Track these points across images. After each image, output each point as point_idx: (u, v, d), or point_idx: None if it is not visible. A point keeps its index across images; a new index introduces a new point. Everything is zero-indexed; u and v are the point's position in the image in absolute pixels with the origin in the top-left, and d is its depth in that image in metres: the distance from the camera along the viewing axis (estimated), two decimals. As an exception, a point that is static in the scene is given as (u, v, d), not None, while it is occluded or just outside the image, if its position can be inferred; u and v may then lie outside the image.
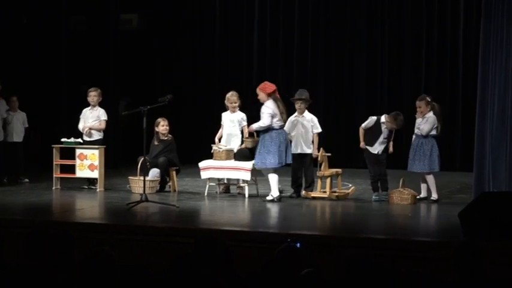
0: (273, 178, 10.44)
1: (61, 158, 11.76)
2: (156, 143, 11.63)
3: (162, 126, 11.61)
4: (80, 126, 11.90)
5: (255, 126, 10.61)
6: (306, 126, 10.93)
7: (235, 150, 11.02)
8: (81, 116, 11.96)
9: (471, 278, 4.90)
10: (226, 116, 11.37)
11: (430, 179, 10.46)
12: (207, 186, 11.04)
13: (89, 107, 11.92)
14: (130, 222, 8.84)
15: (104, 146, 11.69)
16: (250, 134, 10.92)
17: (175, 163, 11.60)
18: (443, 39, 15.03)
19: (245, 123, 11.31)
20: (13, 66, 14.19)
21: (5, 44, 14.27)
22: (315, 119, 11.00)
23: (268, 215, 9.79)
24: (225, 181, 11.39)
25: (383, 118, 10.61)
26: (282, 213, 9.78)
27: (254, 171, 10.82)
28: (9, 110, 12.41)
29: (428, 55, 15.14)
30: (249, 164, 10.74)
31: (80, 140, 11.73)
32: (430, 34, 15.08)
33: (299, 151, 10.91)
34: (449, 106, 14.48)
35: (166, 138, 11.68)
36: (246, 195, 10.77)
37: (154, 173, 11.38)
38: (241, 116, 11.30)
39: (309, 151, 10.89)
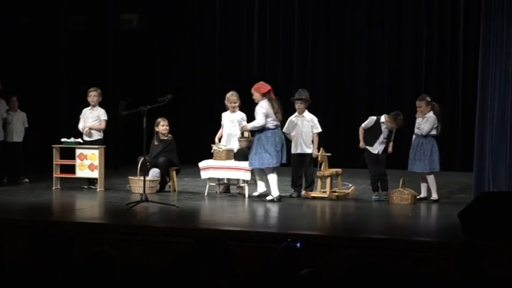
0: (273, 178, 10.45)
1: (61, 158, 11.77)
2: (156, 143, 11.63)
3: (162, 126, 11.61)
4: (80, 126, 11.90)
5: (249, 125, 10.63)
6: (306, 126, 10.93)
7: (235, 150, 11.02)
8: (81, 116, 11.96)
9: (471, 278, 4.90)
10: (226, 116, 11.37)
11: (431, 179, 10.46)
12: (207, 186, 11.04)
13: (89, 107, 11.92)
14: (130, 222, 8.84)
15: (104, 146, 11.69)
16: (245, 134, 10.95)
17: (175, 163, 11.60)
18: (443, 39, 15.04)
19: (245, 123, 11.30)
20: (13, 66, 14.20)
21: (5, 44, 14.27)
22: (315, 119, 11.00)
23: (268, 215, 9.79)
24: (225, 181, 11.39)
25: (383, 118, 10.62)
26: (282, 213, 9.78)
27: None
28: (9, 110, 12.41)
29: (428, 55, 15.14)
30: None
31: (80, 140, 11.73)
32: (430, 34, 15.09)
33: (299, 151, 10.91)
34: (449, 106, 14.48)
35: (166, 138, 11.69)
36: (246, 195, 10.77)
37: (154, 173, 11.38)
38: (241, 116, 11.30)
39: (309, 151, 10.89)
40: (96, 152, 11.51)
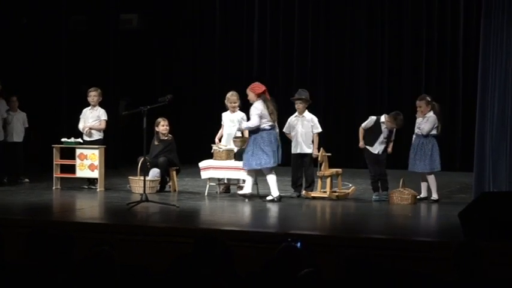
0: (272, 178, 10.45)
1: (61, 158, 11.76)
2: (156, 143, 11.63)
3: (163, 126, 11.62)
4: (80, 126, 11.90)
5: (243, 125, 10.64)
6: (306, 126, 10.93)
7: (235, 150, 11.02)
8: (81, 116, 11.96)
9: (471, 278, 4.90)
10: (226, 116, 11.37)
11: (431, 178, 10.46)
12: (207, 186, 11.04)
13: (89, 107, 11.92)
14: (131, 222, 8.83)
15: (104, 146, 11.69)
16: (238, 133, 10.96)
17: (175, 163, 11.60)
18: (443, 39, 15.03)
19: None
20: (13, 66, 14.20)
21: (5, 44, 14.27)
22: (315, 119, 11.00)
23: (268, 215, 9.78)
24: (225, 181, 11.39)
25: (383, 118, 10.62)
26: (282, 213, 9.78)
27: (254, 172, 10.81)
28: (9, 110, 12.41)
29: (428, 55, 15.14)
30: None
31: (80, 140, 11.73)
32: (430, 34, 15.08)
33: (299, 151, 10.91)
34: (449, 106, 14.48)
35: (166, 138, 11.69)
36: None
37: (154, 173, 11.38)
38: (241, 115, 11.29)
39: (309, 151, 10.89)
40: (96, 152, 11.51)
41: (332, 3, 15.69)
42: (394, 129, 10.69)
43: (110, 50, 15.16)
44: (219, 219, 9.42)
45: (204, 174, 11.03)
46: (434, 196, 10.43)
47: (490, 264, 5.17)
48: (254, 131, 10.38)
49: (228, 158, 10.90)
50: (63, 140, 11.75)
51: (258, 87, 10.48)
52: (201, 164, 11.07)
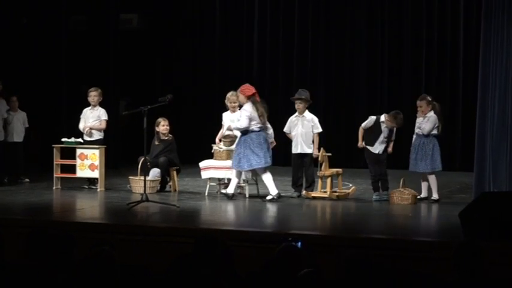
0: (267, 177, 10.46)
1: (61, 158, 11.77)
2: (156, 142, 11.63)
3: (163, 126, 11.62)
4: (81, 126, 11.91)
5: (233, 126, 10.65)
6: (306, 126, 10.93)
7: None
8: (81, 116, 11.96)
9: (471, 278, 4.89)
10: (226, 116, 11.36)
11: (432, 178, 10.46)
12: (208, 186, 11.04)
13: (90, 107, 11.92)
14: (131, 222, 8.84)
15: (105, 146, 11.69)
16: (228, 134, 10.96)
17: (175, 163, 11.61)
18: (443, 39, 15.03)
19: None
20: (13, 66, 14.20)
21: (5, 44, 14.27)
22: (316, 119, 11.00)
23: (268, 215, 9.78)
24: (226, 181, 11.38)
25: (383, 117, 10.62)
26: (282, 213, 9.78)
27: (255, 172, 10.83)
28: (9, 110, 12.41)
29: (428, 55, 15.14)
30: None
31: (80, 139, 11.73)
32: (430, 34, 15.08)
33: (299, 151, 10.91)
34: (450, 106, 14.48)
35: (166, 138, 11.69)
36: (246, 195, 10.77)
37: (154, 172, 11.39)
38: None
39: (309, 151, 10.89)
40: (97, 151, 11.51)
41: (332, 3, 15.69)
42: (395, 129, 10.69)
43: (110, 50, 15.16)
44: (219, 219, 9.43)
45: (205, 174, 11.03)
46: (435, 196, 10.43)
47: (490, 264, 5.17)
48: (243, 132, 10.42)
49: (228, 158, 10.89)
50: (63, 140, 11.75)
51: (247, 89, 10.52)
52: (202, 164, 11.07)
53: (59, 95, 14.78)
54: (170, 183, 11.52)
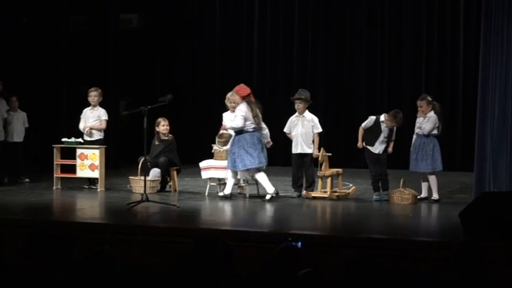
0: (262, 176, 10.46)
1: (62, 158, 11.77)
2: (156, 142, 11.64)
3: (163, 126, 11.62)
4: (81, 126, 11.91)
5: (228, 125, 10.65)
6: (306, 126, 10.93)
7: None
8: (81, 116, 11.96)
9: (471, 278, 4.89)
10: (226, 116, 11.35)
11: (432, 178, 10.46)
12: (208, 186, 11.04)
13: (90, 107, 11.92)
14: (131, 222, 8.84)
15: (105, 146, 11.69)
16: (222, 134, 10.96)
17: (175, 163, 11.61)
18: (443, 39, 15.03)
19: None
20: (13, 66, 14.19)
21: (5, 44, 14.27)
22: (316, 119, 11.00)
23: (268, 215, 9.78)
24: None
25: (382, 117, 10.62)
26: (282, 213, 9.78)
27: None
28: (9, 110, 12.41)
29: (428, 55, 15.13)
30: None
31: (80, 139, 11.73)
32: (430, 34, 15.08)
33: (299, 151, 10.91)
34: (450, 106, 14.48)
35: (167, 138, 11.69)
36: (247, 195, 10.78)
37: (155, 172, 11.39)
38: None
39: (309, 151, 10.89)
40: (97, 151, 11.51)
41: (332, 3, 15.69)
42: (395, 128, 10.69)
43: (110, 50, 15.16)
44: (219, 219, 9.43)
45: (205, 174, 11.04)
46: (435, 196, 10.43)
47: (490, 264, 5.17)
48: (238, 132, 10.43)
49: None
50: (63, 140, 11.75)
51: (242, 89, 10.55)
52: (202, 164, 11.07)
53: (59, 95, 14.78)
54: (170, 183, 11.52)
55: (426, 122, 10.43)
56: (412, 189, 10.41)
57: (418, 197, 10.43)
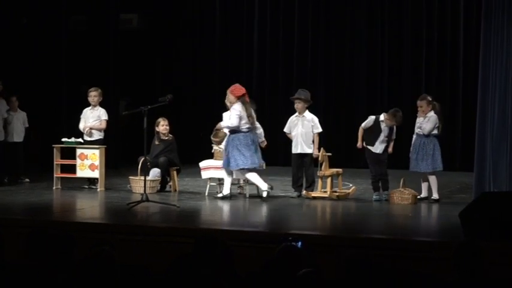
0: (253, 175, 10.47)
1: (62, 158, 11.76)
2: (156, 142, 11.64)
3: (162, 126, 11.62)
4: (81, 126, 11.91)
5: (222, 124, 10.67)
6: (306, 126, 10.93)
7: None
8: (81, 116, 11.96)
9: (471, 278, 4.89)
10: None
11: (433, 178, 10.46)
12: (208, 186, 11.04)
13: (90, 107, 11.92)
14: (131, 222, 8.83)
15: (105, 146, 11.69)
16: (217, 132, 10.97)
17: (175, 163, 11.61)
18: (443, 39, 15.04)
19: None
20: (13, 66, 14.19)
21: (5, 44, 14.27)
22: (316, 119, 11.00)
23: (268, 215, 9.77)
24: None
25: (382, 117, 10.63)
26: (282, 213, 9.78)
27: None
28: (9, 110, 12.41)
29: (428, 55, 15.14)
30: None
31: (80, 139, 11.73)
32: (430, 34, 15.09)
33: (299, 151, 10.91)
34: (450, 106, 14.48)
35: (167, 138, 11.69)
36: (247, 195, 10.78)
37: (154, 172, 11.39)
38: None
39: (309, 151, 10.89)
40: (97, 151, 11.51)
41: (332, 3, 15.70)
42: (395, 127, 10.70)
43: (110, 50, 15.16)
44: (219, 219, 9.44)
45: (205, 174, 11.04)
46: (435, 196, 10.43)
47: (490, 264, 5.17)
48: (232, 132, 10.44)
49: (228, 158, 10.88)
50: (63, 139, 11.75)
51: (237, 89, 10.57)
52: (202, 164, 11.07)
53: (59, 95, 14.78)
54: (170, 183, 11.52)
55: (426, 122, 10.43)
56: (412, 189, 10.41)
57: (418, 197, 10.43)
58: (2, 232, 5.66)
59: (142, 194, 9.87)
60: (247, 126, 10.46)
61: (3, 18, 14.34)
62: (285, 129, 11.11)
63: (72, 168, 11.65)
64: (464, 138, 14.56)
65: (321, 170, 10.64)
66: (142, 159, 10.69)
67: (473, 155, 10.56)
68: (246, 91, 10.71)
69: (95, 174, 11.52)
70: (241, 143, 10.39)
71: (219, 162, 10.89)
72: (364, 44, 15.50)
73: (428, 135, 10.43)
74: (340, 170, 11.00)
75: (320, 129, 10.99)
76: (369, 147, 10.64)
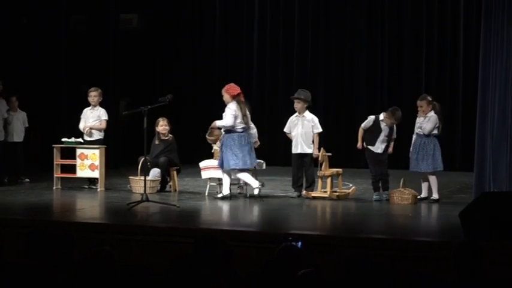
0: (244, 175, 10.48)
1: (62, 158, 11.77)
2: (157, 142, 11.65)
3: (161, 126, 11.62)
4: (81, 126, 11.91)
5: (218, 123, 10.68)
6: (306, 126, 10.93)
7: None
8: (81, 116, 11.97)
9: (471, 278, 4.89)
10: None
11: (433, 178, 10.46)
12: (208, 186, 11.04)
13: (90, 107, 11.93)
14: (131, 222, 8.83)
15: (105, 146, 11.69)
16: (212, 131, 10.98)
17: (175, 163, 11.61)
18: (443, 39, 15.03)
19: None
20: (13, 66, 14.19)
21: (5, 44, 14.27)
22: (316, 119, 11.00)
23: (268, 215, 9.77)
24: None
25: (381, 116, 10.64)
26: (282, 213, 9.78)
27: (255, 171, 10.84)
28: (9, 110, 12.41)
29: (428, 55, 15.14)
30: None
31: (80, 139, 11.73)
32: (430, 34, 15.08)
33: (299, 151, 10.91)
34: (450, 106, 14.48)
35: (167, 138, 11.69)
36: (247, 195, 10.78)
37: (155, 172, 11.39)
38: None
39: (309, 151, 10.89)
40: (97, 151, 11.51)
41: (332, 3, 15.70)
42: (395, 127, 10.70)
43: (110, 50, 15.16)
44: (219, 219, 9.43)
45: (205, 174, 11.03)
46: (435, 196, 10.43)
47: (490, 264, 5.17)
48: (227, 131, 10.46)
49: (228, 158, 10.88)
50: (63, 139, 11.75)
51: (233, 88, 10.59)
52: (202, 164, 11.07)
53: (59, 95, 14.78)
54: (170, 183, 11.52)
55: (427, 121, 10.43)
56: (412, 189, 10.41)
57: (418, 197, 10.43)
58: (2, 232, 5.66)
59: (142, 194, 9.87)
60: (242, 126, 10.47)
61: (3, 18, 14.34)
62: (285, 129, 11.11)
63: (72, 168, 11.66)
64: (464, 138, 14.55)
65: (321, 170, 10.64)
66: (143, 159, 10.70)
67: (473, 155, 10.56)
68: (242, 90, 10.72)
69: (95, 174, 11.52)
70: (235, 143, 10.41)
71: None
72: (364, 44, 15.50)
73: (428, 135, 10.43)
74: (340, 170, 11.00)
75: (320, 129, 10.98)
76: (370, 147, 10.64)
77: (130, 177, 11.39)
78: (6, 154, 12.28)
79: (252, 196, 10.69)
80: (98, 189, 11.46)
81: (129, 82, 15.95)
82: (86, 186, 11.74)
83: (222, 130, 10.64)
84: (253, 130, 10.94)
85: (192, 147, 14.56)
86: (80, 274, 4.92)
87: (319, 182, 10.87)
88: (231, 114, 10.40)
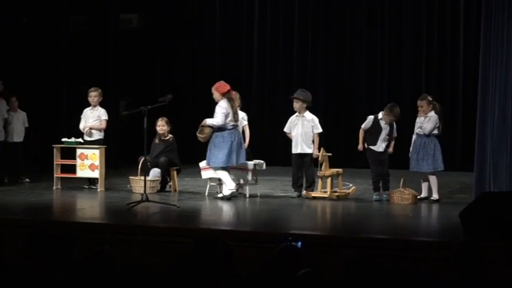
0: (223, 173, 10.49)
1: (62, 158, 11.77)
2: (157, 141, 11.66)
3: (159, 127, 11.64)
4: (81, 126, 11.91)
5: (208, 121, 10.69)
6: (306, 126, 10.93)
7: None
8: (82, 116, 11.97)
9: (471, 278, 4.89)
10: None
11: (433, 178, 10.46)
12: (208, 186, 11.04)
13: (90, 107, 11.93)
14: (131, 222, 8.84)
15: (105, 146, 11.69)
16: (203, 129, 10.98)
17: (176, 163, 11.61)
18: (443, 39, 15.03)
19: (245, 122, 11.36)
20: (13, 66, 14.19)
21: (5, 44, 14.27)
22: (316, 119, 11.00)
23: (268, 215, 9.77)
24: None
25: (380, 115, 10.65)
26: (282, 213, 9.78)
27: (255, 171, 10.84)
28: (9, 110, 12.41)
29: (428, 55, 15.13)
30: (249, 164, 10.78)
31: (80, 139, 11.73)
32: (430, 34, 15.08)
33: (299, 151, 10.91)
34: (450, 106, 14.47)
35: (167, 138, 11.70)
36: (247, 195, 10.78)
37: (155, 172, 11.39)
38: (241, 115, 11.30)
39: (309, 151, 10.89)
40: (97, 151, 11.51)
41: (332, 3, 15.69)
42: (395, 124, 10.70)
43: (110, 50, 15.16)
44: (219, 219, 9.43)
45: (205, 174, 11.03)
46: (435, 196, 10.43)
47: (490, 264, 5.17)
48: (217, 129, 10.46)
49: (228, 158, 10.88)
50: (63, 140, 11.75)
51: (222, 86, 10.65)
52: (202, 164, 11.06)
53: (59, 95, 14.78)
54: (170, 183, 11.52)
55: (427, 121, 10.43)
56: (412, 189, 10.41)
57: (418, 197, 10.43)
58: (2, 232, 5.66)
59: (142, 194, 9.87)
60: (232, 123, 10.50)
61: (3, 18, 14.34)
62: (285, 129, 11.11)
63: (72, 168, 11.66)
64: (464, 138, 14.55)
65: (321, 170, 10.64)
66: (143, 159, 10.70)
67: (473, 155, 10.55)
68: (231, 87, 10.74)
69: (95, 174, 11.52)
70: (224, 140, 10.45)
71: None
72: (364, 44, 15.49)
73: (428, 135, 10.44)
74: (340, 170, 11.00)
75: (320, 130, 10.98)
76: (371, 147, 10.64)
77: (130, 177, 11.39)
78: (6, 154, 12.28)
79: (252, 196, 10.70)
80: (98, 189, 11.46)
81: (129, 82, 15.94)
82: (86, 186, 11.74)
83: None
84: (242, 114, 11.00)
85: (192, 147, 14.54)
86: (80, 274, 4.92)
87: (319, 182, 10.87)
88: (222, 113, 10.44)
